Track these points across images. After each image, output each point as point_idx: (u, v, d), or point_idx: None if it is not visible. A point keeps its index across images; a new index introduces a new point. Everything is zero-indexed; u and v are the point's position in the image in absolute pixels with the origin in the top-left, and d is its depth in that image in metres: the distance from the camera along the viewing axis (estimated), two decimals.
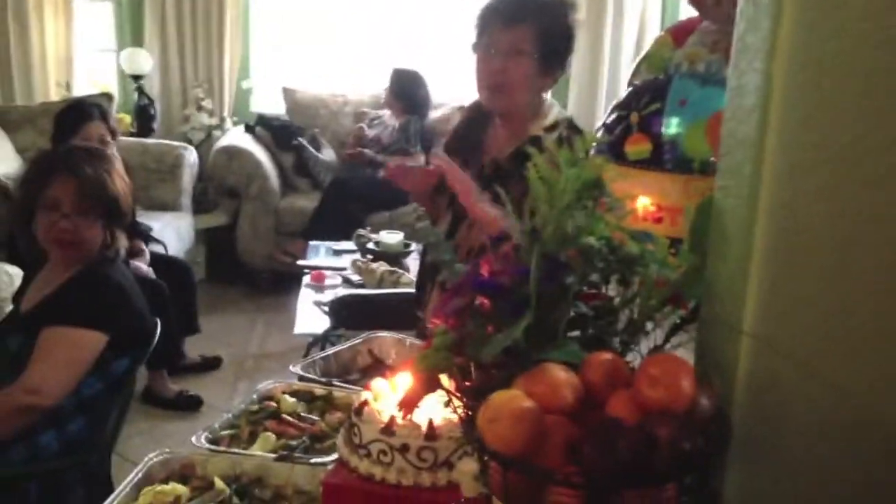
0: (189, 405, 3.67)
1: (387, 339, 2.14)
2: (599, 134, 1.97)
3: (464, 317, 1.13)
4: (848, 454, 0.95)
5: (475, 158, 2.18)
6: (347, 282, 3.67)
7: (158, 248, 4.12)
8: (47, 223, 2.06)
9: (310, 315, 3.35)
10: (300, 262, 3.98)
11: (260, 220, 4.96)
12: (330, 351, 2.23)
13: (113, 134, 3.74)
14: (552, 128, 2.09)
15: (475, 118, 2.25)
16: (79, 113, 3.71)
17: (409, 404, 1.24)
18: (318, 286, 3.65)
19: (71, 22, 5.25)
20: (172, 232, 4.44)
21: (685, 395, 0.92)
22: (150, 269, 3.75)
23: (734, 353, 1.06)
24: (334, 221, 4.69)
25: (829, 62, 0.96)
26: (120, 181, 2.11)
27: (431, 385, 1.20)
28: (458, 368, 1.17)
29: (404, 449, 1.37)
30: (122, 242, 2.22)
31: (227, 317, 4.64)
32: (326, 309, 3.25)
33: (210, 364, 4.07)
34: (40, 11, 5.14)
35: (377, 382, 1.48)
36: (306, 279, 3.69)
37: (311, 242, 4.25)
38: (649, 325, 1.19)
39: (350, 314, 3.14)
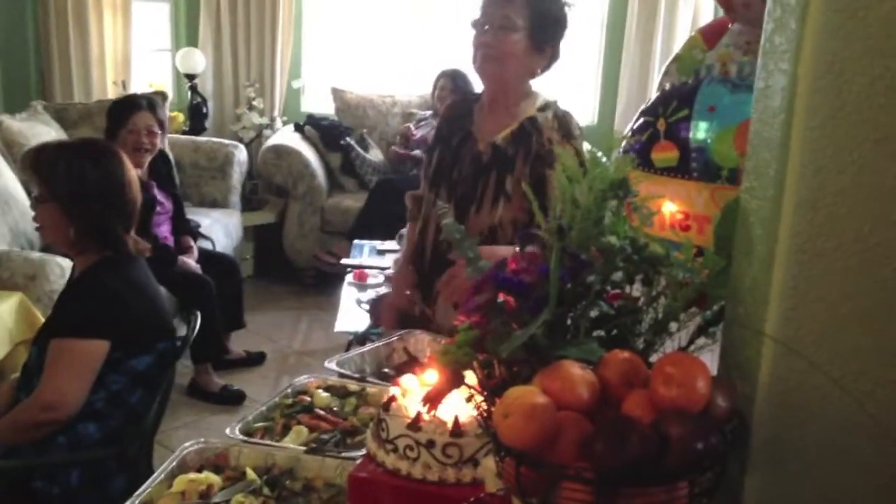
0: (232, 399, 3.73)
1: (422, 337, 2.16)
2: (627, 140, 1.96)
3: (487, 313, 1.15)
4: (868, 459, 0.94)
5: (467, 148, 2.23)
6: (389, 280, 3.70)
7: (206, 245, 4.20)
8: None
9: (351, 313, 3.38)
10: (343, 261, 4.02)
11: (306, 218, 5.02)
12: (366, 348, 2.26)
13: (161, 125, 3.83)
14: (543, 108, 2.18)
15: (458, 112, 2.31)
16: (127, 104, 3.82)
17: (433, 399, 1.25)
18: (361, 285, 3.68)
19: (129, 22, 5.37)
20: (221, 229, 4.52)
21: (700, 394, 0.92)
22: (198, 265, 3.82)
23: (757, 355, 1.05)
24: (380, 221, 4.72)
25: (854, 64, 0.95)
26: (71, 171, 2.10)
27: (456, 381, 1.21)
28: (483, 364, 1.18)
29: (430, 444, 1.38)
30: (122, 237, 2.19)
31: (272, 313, 4.71)
32: (367, 307, 3.28)
33: (254, 359, 4.13)
34: (99, 11, 5.28)
35: (406, 378, 1.49)
36: (349, 278, 3.73)
37: (355, 241, 4.29)
38: (673, 326, 1.19)
39: None
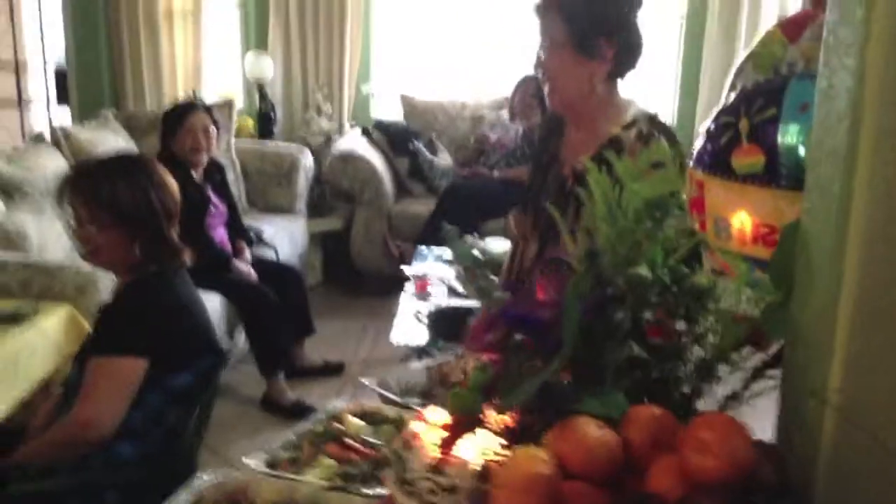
0: (303, 415, 3.62)
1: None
2: (700, 143, 1.78)
3: (501, 352, 1.00)
4: None
5: (553, 172, 2.03)
6: (453, 292, 3.55)
7: (270, 254, 4.14)
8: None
9: (408, 324, 3.26)
10: (404, 268, 3.89)
11: (373, 224, 4.93)
12: (418, 365, 2.13)
13: (216, 125, 3.84)
14: (630, 125, 1.90)
15: (551, 128, 2.11)
16: (183, 106, 3.85)
17: (446, 445, 1.12)
18: (422, 294, 3.55)
19: (199, 29, 5.38)
20: (286, 236, 4.46)
21: (740, 465, 0.76)
22: (251, 269, 3.77)
23: (819, 411, 0.87)
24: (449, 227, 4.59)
25: None
26: (134, 190, 2.06)
27: (468, 424, 1.07)
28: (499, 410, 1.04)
29: (453, 489, 1.24)
30: (180, 247, 2.16)
31: (338, 322, 4.62)
32: (425, 320, 3.15)
33: (332, 369, 4.03)
34: (170, 20, 5.30)
35: (431, 411, 1.36)
36: (409, 286, 3.60)
37: (419, 248, 4.15)
38: (724, 369, 1.02)
39: (449, 327, 3.03)
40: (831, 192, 0.87)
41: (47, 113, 5.93)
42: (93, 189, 2.07)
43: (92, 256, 2.14)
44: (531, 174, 2.17)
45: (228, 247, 3.81)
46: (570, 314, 0.88)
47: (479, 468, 1.21)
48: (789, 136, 1.56)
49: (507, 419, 1.04)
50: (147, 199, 2.08)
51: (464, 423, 1.05)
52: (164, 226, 2.11)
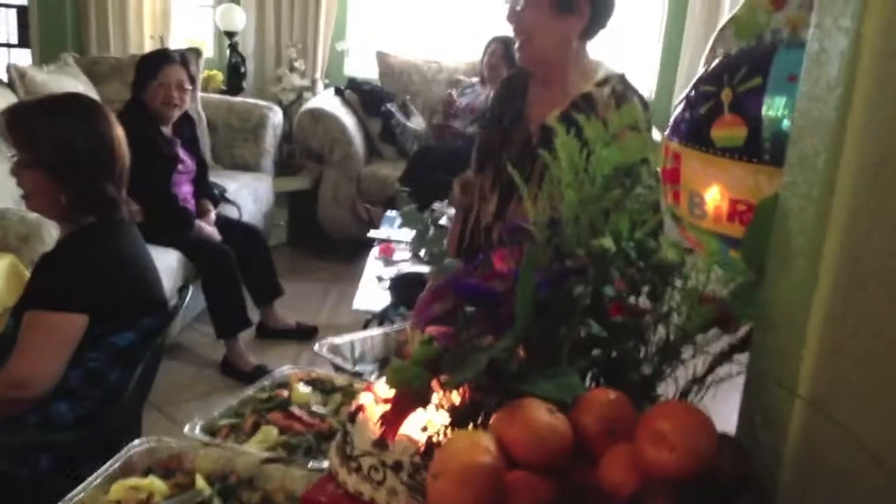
0: None
1: None
2: (678, 111, 1.70)
3: (450, 325, 0.92)
4: None
5: (519, 129, 1.98)
6: (417, 257, 3.47)
7: (232, 211, 4.01)
8: None
9: (372, 289, 3.18)
10: (371, 234, 3.80)
11: (341, 186, 4.81)
12: (372, 332, 2.05)
13: (192, 80, 3.66)
14: (603, 83, 1.89)
15: (513, 87, 2.07)
16: (159, 57, 3.65)
17: (390, 423, 1.04)
18: (387, 259, 3.47)
19: None
20: (249, 194, 4.33)
21: (700, 459, 0.69)
22: (215, 229, 3.64)
23: (787, 405, 0.81)
24: (418, 190, 4.49)
25: None
26: (63, 133, 1.92)
27: (415, 401, 1.00)
28: (445, 385, 0.96)
29: (397, 467, 1.16)
30: (116, 199, 2.01)
31: (300, 284, 4.50)
32: (388, 284, 3.07)
33: (305, 332, 3.89)
34: None
35: (381, 384, 1.28)
36: (375, 251, 3.52)
37: (388, 213, 4.06)
38: (688, 351, 0.96)
39: (411, 293, 2.94)
40: (815, 166, 0.80)
41: (7, 54, 5.73)
42: (21, 127, 1.94)
43: (25, 200, 2.00)
44: (489, 133, 2.11)
45: (193, 205, 3.68)
46: (526, 286, 0.80)
47: (423, 447, 1.15)
48: (775, 108, 1.47)
49: (453, 397, 0.97)
50: (77, 145, 1.93)
51: (412, 398, 0.98)
52: (94, 176, 1.96)
